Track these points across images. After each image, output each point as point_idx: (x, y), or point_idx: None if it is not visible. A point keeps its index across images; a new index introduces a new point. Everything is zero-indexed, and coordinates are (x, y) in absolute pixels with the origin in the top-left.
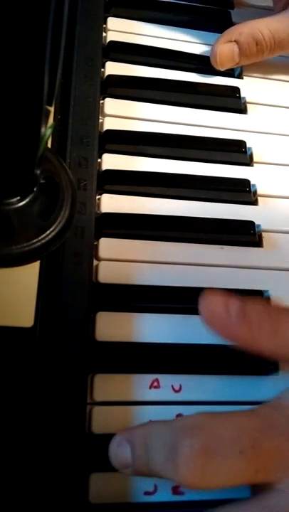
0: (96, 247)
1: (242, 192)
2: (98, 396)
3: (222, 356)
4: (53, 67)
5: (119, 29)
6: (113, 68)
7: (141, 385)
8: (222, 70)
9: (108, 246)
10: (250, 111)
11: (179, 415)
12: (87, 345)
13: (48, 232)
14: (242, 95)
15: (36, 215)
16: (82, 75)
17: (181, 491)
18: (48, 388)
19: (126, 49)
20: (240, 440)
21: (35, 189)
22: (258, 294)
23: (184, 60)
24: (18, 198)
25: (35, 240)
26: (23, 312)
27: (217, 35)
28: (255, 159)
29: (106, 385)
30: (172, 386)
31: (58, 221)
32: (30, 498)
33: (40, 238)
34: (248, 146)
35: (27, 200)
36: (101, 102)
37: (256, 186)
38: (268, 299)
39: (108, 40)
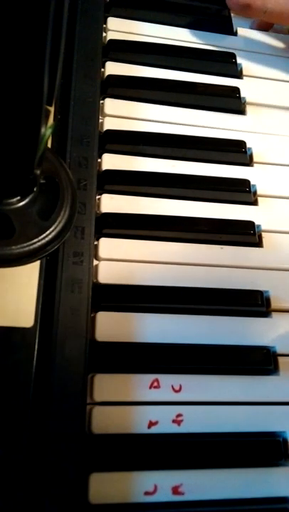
0: (96, 247)
1: (242, 192)
2: (98, 396)
3: (222, 356)
4: (53, 67)
5: (119, 29)
6: (113, 68)
7: (141, 385)
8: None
9: (108, 246)
10: (249, 111)
11: (179, 415)
12: (87, 345)
13: (48, 232)
14: (242, 95)
15: (36, 215)
16: (82, 74)
17: (181, 491)
18: (48, 388)
19: (126, 48)
20: None
21: (35, 189)
22: (258, 294)
23: (184, 60)
24: (18, 198)
25: (35, 240)
26: (23, 312)
27: (217, 35)
28: (255, 159)
29: (106, 385)
30: (172, 386)
31: (58, 221)
32: (30, 498)
33: (40, 238)
34: (248, 146)
35: (27, 200)
36: (101, 102)
37: (256, 186)
38: (268, 299)
39: (108, 39)
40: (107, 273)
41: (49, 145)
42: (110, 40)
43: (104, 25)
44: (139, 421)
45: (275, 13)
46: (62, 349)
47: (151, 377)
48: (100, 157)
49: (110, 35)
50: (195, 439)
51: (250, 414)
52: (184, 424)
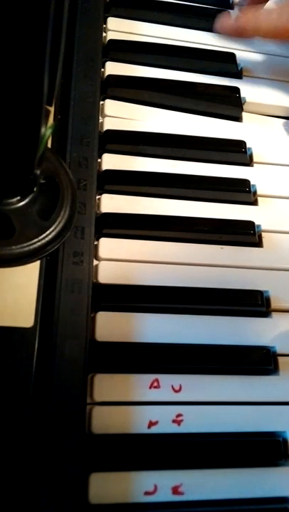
0: (96, 247)
1: (242, 192)
2: (98, 396)
3: (222, 356)
4: (53, 67)
5: (119, 29)
6: (113, 68)
7: (141, 385)
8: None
9: (108, 246)
10: (249, 111)
11: (179, 415)
12: (87, 345)
13: (48, 232)
14: (242, 95)
15: (36, 215)
16: (82, 74)
17: (181, 491)
18: (48, 388)
19: (126, 48)
20: None
21: (35, 189)
22: (258, 294)
23: (183, 60)
24: (18, 198)
25: (35, 240)
26: (23, 312)
27: (217, 35)
28: (255, 159)
29: (106, 385)
30: (172, 386)
31: (58, 221)
32: (30, 498)
33: (40, 238)
34: (248, 146)
35: (27, 200)
36: (101, 102)
37: (256, 186)
38: (268, 299)
39: (108, 39)
40: (107, 273)
41: (49, 145)
42: (110, 40)
43: (104, 25)
44: (139, 421)
45: (270, 30)
46: (62, 349)
47: (151, 377)
48: (100, 157)
49: (110, 35)
50: (195, 439)
51: (250, 414)
52: (184, 424)
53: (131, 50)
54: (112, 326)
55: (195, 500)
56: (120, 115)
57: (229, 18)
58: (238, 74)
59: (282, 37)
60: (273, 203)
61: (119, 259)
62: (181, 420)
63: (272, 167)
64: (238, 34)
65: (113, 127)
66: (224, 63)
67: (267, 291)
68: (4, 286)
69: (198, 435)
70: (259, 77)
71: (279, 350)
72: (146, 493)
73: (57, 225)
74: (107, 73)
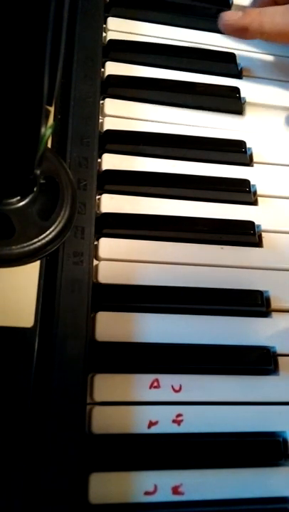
0: (96, 247)
1: (242, 192)
2: (98, 396)
3: (222, 356)
4: (53, 67)
5: (119, 29)
6: (113, 68)
7: (141, 385)
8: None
9: (108, 246)
10: (249, 111)
11: (179, 415)
12: (87, 345)
13: (48, 232)
14: (242, 95)
15: (36, 215)
16: (82, 74)
17: (181, 491)
18: (48, 388)
19: (126, 49)
20: None
21: (35, 189)
22: (258, 294)
23: (184, 60)
24: (18, 198)
25: (35, 240)
26: (23, 312)
27: (217, 35)
28: (255, 159)
29: (106, 385)
30: (172, 386)
31: (58, 221)
32: (30, 498)
33: (40, 238)
34: (248, 146)
35: (27, 200)
36: (101, 102)
37: (256, 186)
38: (268, 299)
39: (108, 39)
40: (107, 273)
41: (49, 145)
42: (110, 40)
43: (104, 25)
44: (139, 421)
45: (274, 33)
46: (63, 349)
47: (151, 377)
48: (100, 157)
49: (110, 35)
50: (195, 439)
51: (250, 414)
52: (184, 424)
53: (131, 50)
54: (112, 326)
55: (195, 500)
56: (120, 115)
57: (232, 18)
58: (238, 74)
59: (285, 40)
60: (273, 203)
61: (119, 259)
62: (181, 420)
63: (272, 167)
64: (241, 34)
65: (113, 127)
66: (224, 63)
67: (267, 291)
68: (4, 286)
69: (198, 435)
70: (259, 77)
71: (279, 350)
72: (147, 493)
73: (57, 225)
74: (107, 73)
